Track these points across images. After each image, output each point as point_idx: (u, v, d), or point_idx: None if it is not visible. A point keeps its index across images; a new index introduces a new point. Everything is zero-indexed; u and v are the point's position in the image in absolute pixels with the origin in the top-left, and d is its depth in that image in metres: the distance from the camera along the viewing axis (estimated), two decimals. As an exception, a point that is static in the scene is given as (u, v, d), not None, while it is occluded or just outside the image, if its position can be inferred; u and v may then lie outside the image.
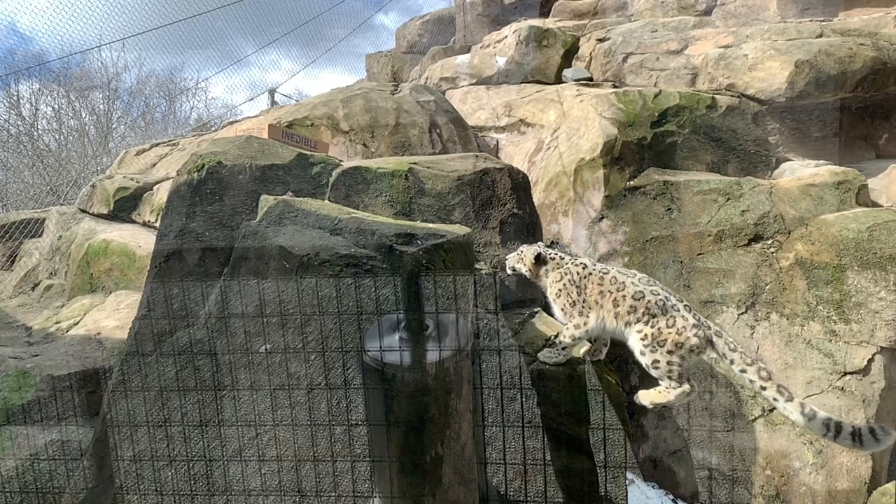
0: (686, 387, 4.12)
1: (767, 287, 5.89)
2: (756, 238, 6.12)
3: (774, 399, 3.92)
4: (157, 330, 3.95)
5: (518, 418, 3.64)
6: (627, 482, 4.61)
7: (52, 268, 8.53)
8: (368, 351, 2.74)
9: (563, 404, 4.37)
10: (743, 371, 4.01)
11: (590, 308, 4.36)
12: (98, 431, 4.19)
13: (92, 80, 22.28)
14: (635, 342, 4.20)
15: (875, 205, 6.60)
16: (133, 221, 8.29)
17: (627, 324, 4.24)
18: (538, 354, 4.53)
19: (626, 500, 4.28)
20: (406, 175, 5.53)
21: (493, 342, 3.93)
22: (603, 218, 6.72)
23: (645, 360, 4.15)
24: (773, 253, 6.00)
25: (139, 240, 7.44)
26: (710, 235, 6.24)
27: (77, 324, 6.54)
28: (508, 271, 4.87)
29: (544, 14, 12.90)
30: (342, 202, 5.26)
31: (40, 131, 21.44)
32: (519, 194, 5.88)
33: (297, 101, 15.24)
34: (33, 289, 8.32)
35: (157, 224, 6.30)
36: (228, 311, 3.75)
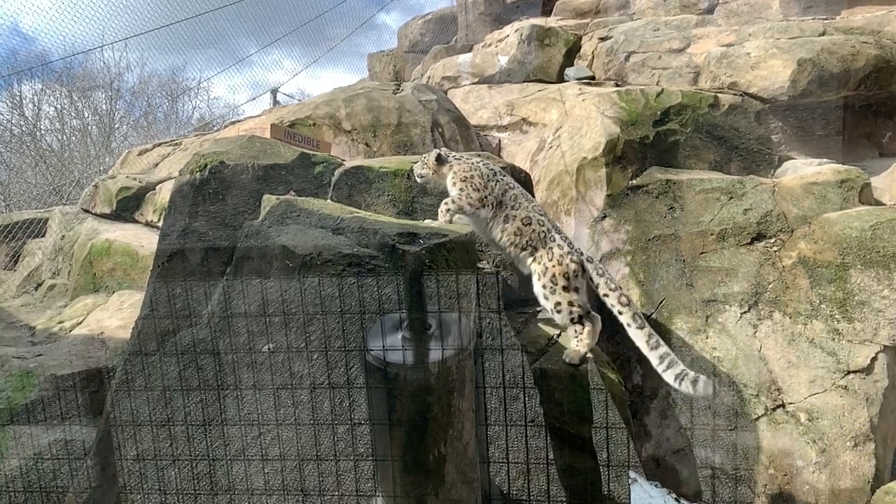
0: (588, 326, 4.53)
1: (770, 286, 5.88)
2: (759, 237, 6.11)
3: (627, 325, 4.42)
4: (160, 329, 3.96)
5: (521, 417, 3.64)
6: (630, 481, 4.61)
7: (55, 268, 8.55)
8: (371, 350, 2.74)
9: (566, 403, 4.37)
10: (605, 295, 4.53)
11: (487, 205, 4.75)
12: (101, 431, 4.20)
13: (94, 80, 22.31)
14: (535, 286, 4.65)
15: (878, 203, 6.59)
16: (136, 221, 8.30)
17: (513, 245, 4.71)
18: (428, 221, 4.84)
19: (629, 499, 4.28)
20: (408, 174, 5.53)
21: (496, 341, 3.93)
22: (605, 217, 6.72)
23: (549, 305, 4.58)
24: (775, 252, 5.99)
25: (142, 239, 7.46)
26: (712, 234, 6.24)
27: (80, 323, 6.55)
28: (417, 179, 5.23)
29: (546, 13, 12.87)
30: (344, 202, 5.26)
31: (43, 131, 21.49)
32: (521, 193, 5.87)
33: (299, 100, 15.25)
34: (36, 289, 8.33)
35: (160, 224, 6.31)
36: (231, 311, 3.75)
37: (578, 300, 4.55)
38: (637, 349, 4.53)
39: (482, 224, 4.82)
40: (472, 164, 4.95)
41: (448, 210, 4.78)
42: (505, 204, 4.77)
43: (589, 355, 4.55)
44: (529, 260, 4.70)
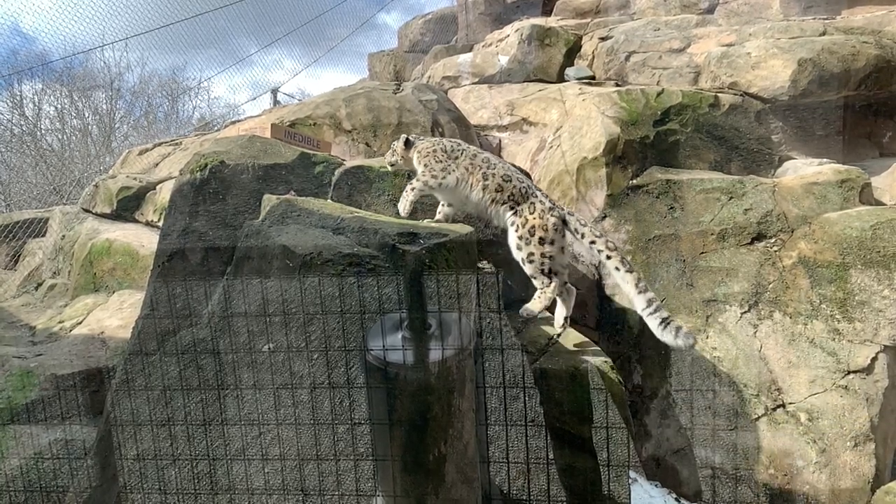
0: (555, 283, 4.63)
1: (770, 286, 5.88)
2: (759, 237, 6.11)
3: (616, 268, 4.47)
4: (161, 329, 3.96)
5: (521, 417, 3.63)
6: (630, 481, 4.61)
7: (55, 267, 8.55)
8: (371, 350, 2.74)
9: (566, 403, 4.37)
10: (593, 242, 4.60)
11: (454, 172, 4.89)
12: (102, 430, 4.20)
13: (95, 80, 22.32)
14: (511, 237, 4.73)
15: (878, 203, 6.59)
16: (136, 221, 8.30)
17: (494, 202, 4.79)
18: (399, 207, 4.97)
19: (629, 498, 4.29)
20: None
21: (496, 341, 3.93)
22: (605, 217, 6.72)
23: (521, 255, 4.66)
24: (776, 252, 5.99)
25: (142, 239, 7.46)
26: (712, 234, 6.24)
27: (80, 323, 6.55)
28: (388, 168, 5.41)
29: (546, 13, 12.87)
30: (345, 201, 5.27)
31: (43, 131, 21.50)
32: (521, 193, 5.87)
33: (299, 100, 15.24)
34: (37, 288, 8.34)
35: (160, 223, 6.31)
36: (231, 311, 3.75)
37: (551, 253, 4.64)
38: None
39: (454, 191, 4.93)
40: (435, 140, 5.15)
41: (413, 188, 4.92)
42: (477, 166, 4.88)
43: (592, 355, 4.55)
44: (510, 213, 4.78)
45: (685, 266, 6.24)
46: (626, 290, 4.47)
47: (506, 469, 3.60)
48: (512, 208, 4.78)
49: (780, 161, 7.54)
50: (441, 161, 4.93)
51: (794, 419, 5.43)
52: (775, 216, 6.13)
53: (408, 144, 5.21)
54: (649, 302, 4.32)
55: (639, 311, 4.39)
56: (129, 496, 3.55)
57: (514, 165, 5.20)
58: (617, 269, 4.49)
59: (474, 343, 2.94)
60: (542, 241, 4.61)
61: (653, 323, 4.27)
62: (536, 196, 4.80)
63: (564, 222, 4.72)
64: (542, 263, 4.63)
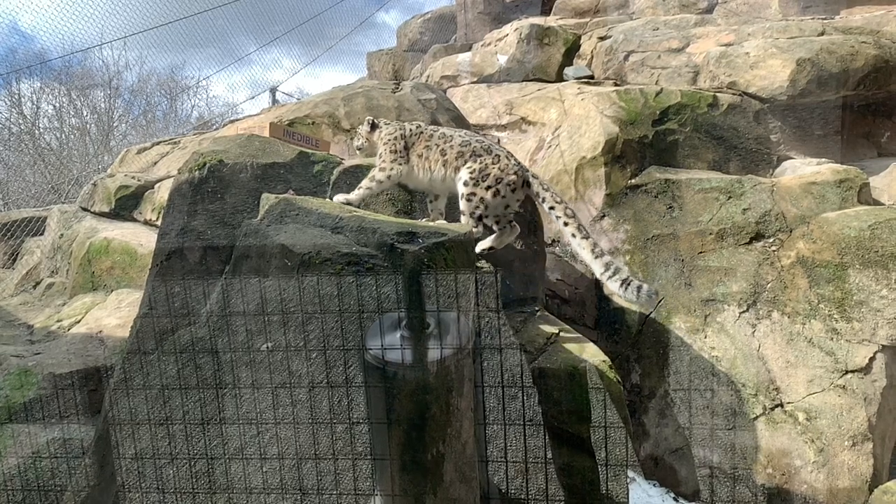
0: (480, 229, 4.57)
1: (769, 285, 5.88)
2: (757, 236, 6.12)
3: (573, 234, 4.51)
4: (159, 328, 3.95)
5: (519, 416, 3.63)
6: (629, 480, 4.62)
7: (53, 266, 8.54)
8: (370, 349, 2.74)
9: (565, 402, 4.38)
10: (552, 208, 4.60)
11: (406, 162, 4.86)
12: (100, 429, 4.19)
13: (93, 79, 22.31)
14: (464, 175, 4.62)
15: (877, 203, 6.60)
16: (134, 220, 8.28)
17: (456, 168, 4.69)
18: (337, 196, 4.89)
19: (628, 498, 4.29)
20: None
21: (495, 340, 3.92)
22: (604, 216, 6.72)
23: (465, 191, 4.57)
24: (774, 251, 6.00)
25: (140, 238, 7.44)
26: (711, 234, 6.24)
27: (78, 322, 6.54)
28: (357, 152, 5.47)
29: (545, 12, 12.87)
30: (343, 200, 5.25)
31: (42, 130, 21.48)
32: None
33: (298, 99, 15.24)
34: (35, 287, 8.33)
35: (159, 222, 6.30)
36: (230, 310, 3.75)
37: (494, 205, 4.58)
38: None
39: (414, 173, 4.90)
40: (398, 125, 5.12)
41: (369, 188, 4.83)
42: (434, 145, 4.85)
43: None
44: (470, 163, 4.67)
45: (684, 266, 6.25)
46: (583, 255, 4.53)
47: (504, 468, 3.60)
48: (475, 160, 4.69)
49: (778, 161, 7.54)
50: (395, 151, 4.88)
51: (793, 419, 5.43)
52: (774, 216, 6.13)
53: (373, 127, 5.22)
54: (607, 266, 4.36)
55: (598, 276, 4.44)
56: (127, 495, 3.54)
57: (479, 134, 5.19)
58: (573, 234, 4.52)
59: (473, 342, 2.94)
60: (488, 188, 4.56)
61: (613, 286, 4.32)
62: (502, 152, 4.77)
63: (526, 184, 4.67)
64: (478, 208, 4.57)
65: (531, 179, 4.70)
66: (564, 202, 4.66)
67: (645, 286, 4.26)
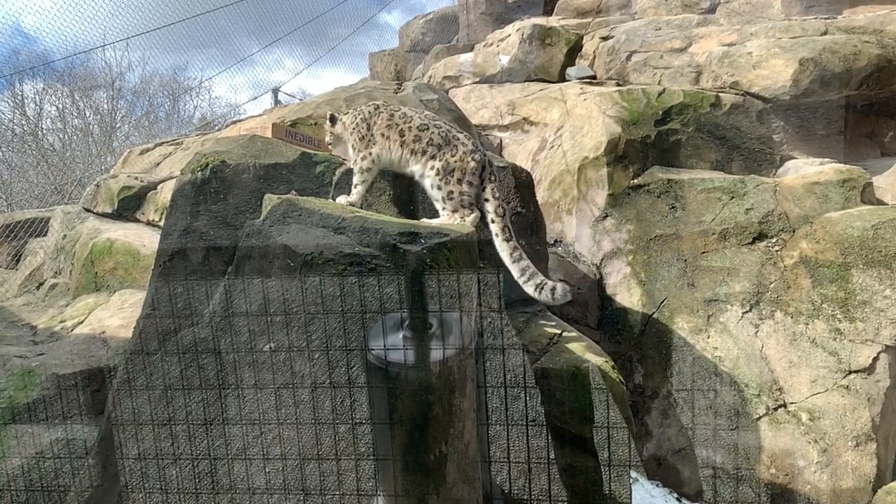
0: (475, 214, 4.62)
1: (772, 285, 5.87)
2: (760, 236, 6.11)
3: (496, 234, 4.60)
4: (162, 329, 3.96)
5: (522, 417, 3.63)
6: (631, 481, 4.61)
7: (56, 267, 8.56)
8: (372, 349, 2.74)
9: (567, 403, 4.37)
10: (487, 200, 4.67)
11: (375, 142, 4.89)
12: (103, 430, 4.20)
13: (96, 80, 22.33)
14: (430, 177, 4.70)
15: (880, 203, 6.58)
16: (137, 220, 8.30)
17: (413, 153, 4.76)
18: (339, 198, 4.91)
19: (630, 498, 4.28)
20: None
21: (497, 341, 3.92)
22: (607, 216, 6.71)
23: (440, 194, 4.66)
24: (777, 251, 5.99)
25: (143, 239, 7.46)
26: (714, 234, 6.23)
27: (82, 323, 6.55)
28: (330, 148, 5.49)
29: (547, 12, 12.87)
30: (346, 201, 5.25)
31: (45, 131, 21.52)
32: (522, 193, 5.87)
33: (300, 100, 15.25)
34: (38, 288, 8.35)
35: (161, 223, 6.31)
36: (232, 310, 3.75)
37: (469, 192, 4.67)
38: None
39: (387, 158, 4.91)
40: (355, 111, 5.15)
41: (363, 181, 4.89)
42: (395, 124, 4.87)
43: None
44: (432, 162, 4.73)
45: (686, 266, 6.24)
46: (502, 257, 4.59)
47: (507, 469, 3.60)
48: (433, 156, 4.73)
49: (781, 161, 7.53)
50: (364, 138, 4.94)
51: (796, 419, 5.42)
52: (777, 216, 6.12)
53: (332, 120, 5.29)
54: (523, 271, 4.47)
55: (515, 279, 4.53)
56: (131, 496, 3.55)
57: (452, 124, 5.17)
58: (496, 234, 4.61)
59: (475, 343, 2.94)
60: (459, 181, 4.64)
61: (530, 289, 4.44)
62: (458, 139, 4.78)
63: (484, 167, 4.73)
64: (461, 198, 4.64)
65: (487, 164, 4.78)
66: (499, 199, 4.73)
67: (559, 286, 4.36)
